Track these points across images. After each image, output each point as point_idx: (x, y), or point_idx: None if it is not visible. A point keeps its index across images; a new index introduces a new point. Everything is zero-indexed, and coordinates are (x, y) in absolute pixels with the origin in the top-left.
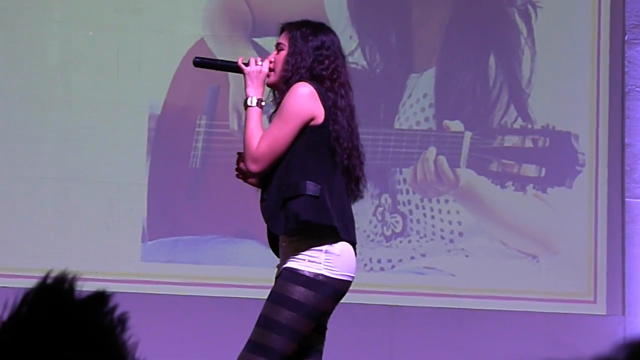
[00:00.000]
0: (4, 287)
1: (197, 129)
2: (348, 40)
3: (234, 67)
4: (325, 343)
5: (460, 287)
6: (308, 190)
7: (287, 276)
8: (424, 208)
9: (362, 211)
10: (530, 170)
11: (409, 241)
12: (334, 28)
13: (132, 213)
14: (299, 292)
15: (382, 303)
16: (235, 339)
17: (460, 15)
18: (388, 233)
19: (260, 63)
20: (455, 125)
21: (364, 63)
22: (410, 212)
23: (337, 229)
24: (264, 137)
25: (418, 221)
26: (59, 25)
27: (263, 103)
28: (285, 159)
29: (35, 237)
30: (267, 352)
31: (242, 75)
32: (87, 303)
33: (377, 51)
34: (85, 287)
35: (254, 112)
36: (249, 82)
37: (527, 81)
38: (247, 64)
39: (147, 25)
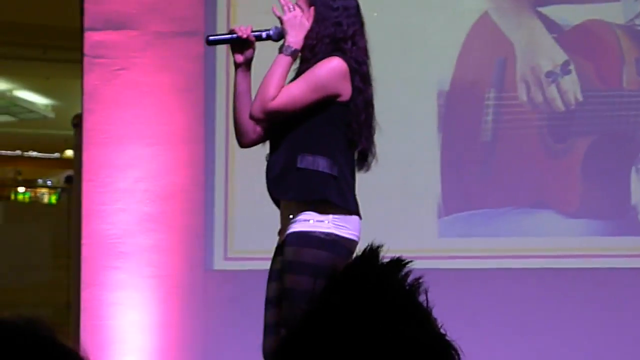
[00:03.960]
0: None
1: (486, 102)
2: (633, 3)
3: (271, 36)
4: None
5: None
6: (327, 168)
7: (297, 241)
8: None
9: None
10: None
11: None
12: None
13: (427, 190)
14: (313, 255)
15: None
16: (534, 309)
17: None
18: None
19: (292, 8)
20: None
21: None
22: None
23: (355, 211)
24: (284, 93)
25: None
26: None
27: (299, 55)
28: (304, 128)
29: None
30: None
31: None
32: (387, 269)
33: None
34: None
35: (285, 61)
36: (289, 30)
37: None
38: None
39: (430, 2)
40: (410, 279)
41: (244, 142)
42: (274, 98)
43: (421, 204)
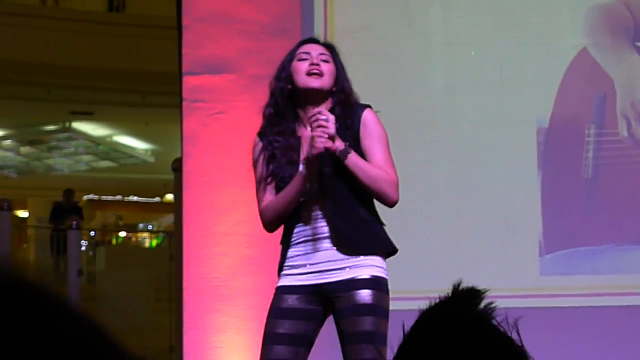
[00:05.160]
0: (400, 309)
1: (586, 139)
2: None
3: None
4: None
5: None
6: (381, 219)
7: (373, 285)
8: None
9: None
10: None
11: None
12: None
13: (528, 228)
14: (387, 300)
15: None
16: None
17: None
18: None
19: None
20: None
21: None
22: None
23: None
24: (388, 166)
25: None
26: (442, 49)
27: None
28: (350, 181)
29: (431, 259)
30: None
31: None
32: (472, 305)
33: None
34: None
35: (355, 155)
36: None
37: None
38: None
39: (528, 39)
40: (483, 309)
41: (275, 230)
42: (393, 175)
43: (522, 242)
